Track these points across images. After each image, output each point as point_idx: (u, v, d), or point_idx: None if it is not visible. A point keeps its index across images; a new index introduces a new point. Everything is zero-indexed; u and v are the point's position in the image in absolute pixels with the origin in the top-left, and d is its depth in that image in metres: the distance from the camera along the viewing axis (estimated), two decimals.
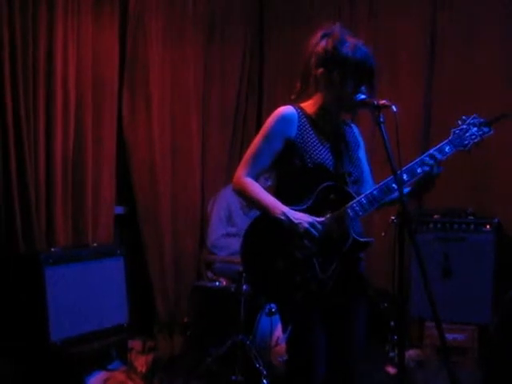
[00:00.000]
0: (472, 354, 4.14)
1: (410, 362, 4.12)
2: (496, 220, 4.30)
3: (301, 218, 2.33)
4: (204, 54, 4.98)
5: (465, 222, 4.34)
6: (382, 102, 2.30)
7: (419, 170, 2.43)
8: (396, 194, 2.37)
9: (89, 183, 4.14)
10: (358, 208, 2.38)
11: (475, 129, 2.49)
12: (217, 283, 4.22)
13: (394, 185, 2.37)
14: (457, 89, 4.64)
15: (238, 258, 4.03)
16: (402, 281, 2.37)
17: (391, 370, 3.94)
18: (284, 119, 2.45)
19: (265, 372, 3.63)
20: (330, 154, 2.46)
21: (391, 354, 3.97)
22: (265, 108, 5.34)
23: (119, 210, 4.57)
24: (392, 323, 3.99)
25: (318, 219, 2.35)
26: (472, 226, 4.31)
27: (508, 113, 2.56)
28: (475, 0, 4.65)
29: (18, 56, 3.65)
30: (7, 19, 3.61)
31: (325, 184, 2.40)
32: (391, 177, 2.35)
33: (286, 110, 2.47)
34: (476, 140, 2.49)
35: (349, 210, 2.37)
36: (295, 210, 2.37)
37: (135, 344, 4.11)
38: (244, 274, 3.75)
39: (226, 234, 4.47)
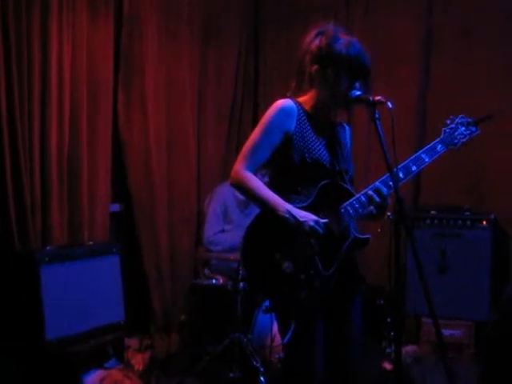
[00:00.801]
0: (468, 350, 4.16)
1: (407, 358, 4.13)
2: (492, 216, 4.31)
3: (306, 216, 2.32)
4: (199, 52, 4.97)
5: (461, 218, 4.35)
6: (378, 98, 2.31)
7: (414, 168, 2.44)
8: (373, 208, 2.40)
9: (84, 181, 4.13)
10: (357, 206, 2.39)
11: (463, 128, 2.54)
12: (213, 281, 4.21)
13: (390, 182, 2.36)
14: (453, 87, 4.65)
15: (234, 255, 4.06)
16: (399, 277, 2.37)
17: (388, 365, 3.94)
18: (284, 112, 2.42)
19: (262, 369, 3.63)
20: (325, 150, 2.46)
21: (388, 350, 3.98)
22: (261, 107, 5.34)
23: (115, 207, 4.56)
24: (389, 319, 4.00)
25: (321, 220, 2.35)
26: (468, 222, 4.32)
27: (492, 114, 2.60)
28: None
29: (12, 55, 3.63)
30: (0, 19, 3.59)
31: (325, 181, 2.40)
32: (385, 176, 2.38)
33: (286, 103, 2.44)
34: (465, 139, 2.54)
35: (349, 208, 2.38)
36: (296, 208, 2.35)
37: (132, 342, 4.11)
38: (242, 272, 3.76)
39: (222, 230, 4.47)
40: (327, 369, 2.43)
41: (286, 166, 2.43)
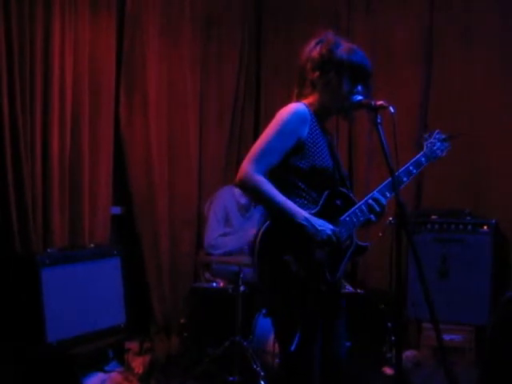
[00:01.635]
0: (469, 355, 4.14)
1: (408, 362, 4.12)
2: (493, 221, 4.31)
3: (324, 225, 2.34)
4: (201, 53, 4.97)
5: (462, 222, 4.35)
6: (380, 102, 2.32)
7: (405, 179, 2.51)
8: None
9: (86, 184, 4.13)
10: (359, 214, 2.43)
11: (439, 143, 2.63)
12: (214, 284, 4.21)
13: (387, 192, 2.44)
14: (454, 88, 4.65)
15: (234, 259, 4.06)
16: (400, 282, 2.37)
17: (388, 370, 3.94)
18: (299, 117, 2.39)
19: (262, 373, 3.63)
20: (330, 156, 2.47)
21: (388, 355, 3.97)
22: (262, 108, 5.34)
23: (116, 210, 4.56)
24: (389, 324, 3.99)
25: (337, 229, 2.37)
26: (469, 227, 4.32)
27: (462, 132, 2.87)
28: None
29: (14, 56, 3.64)
30: (3, 19, 3.60)
31: (332, 189, 2.43)
32: (383, 184, 2.44)
33: (301, 107, 2.42)
34: (442, 154, 2.64)
35: (352, 217, 2.42)
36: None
37: (132, 345, 4.10)
38: (243, 276, 3.76)
39: (223, 234, 4.47)
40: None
41: (293, 171, 2.40)
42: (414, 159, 2.55)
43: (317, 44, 2.49)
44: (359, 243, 2.47)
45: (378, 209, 2.42)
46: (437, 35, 4.76)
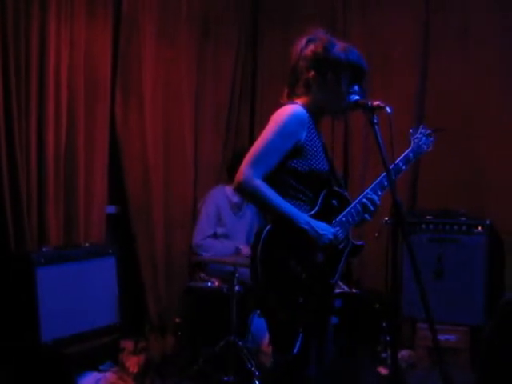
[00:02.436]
0: (464, 355, 4.15)
1: (402, 362, 4.13)
2: (488, 222, 4.32)
3: (326, 229, 2.34)
4: (197, 53, 4.97)
5: (457, 223, 4.36)
6: (376, 103, 2.32)
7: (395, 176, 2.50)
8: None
9: (81, 182, 4.12)
10: (354, 214, 2.44)
11: (424, 138, 2.66)
12: (209, 284, 4.20)
13: (379, 191, 2.46)
14: (451, 88, 4.65)
15: (228, 259, 4.05)
16: (395, 282, 2.38)
17: (383, 370, 3.94)
18: (298, 119, 2.36)
19: (257, 373, 3.63)
20: (325, 157, 2.47)
21: (383, 355, 3.97)
22: (258, 108, 5.34)
23: (111, 209, 4.55)
24: (384, 324, 4.00)
25: (336, 228, 2.39)
26: (464, 228, 4.33)
27: (444, 128, 2.85)
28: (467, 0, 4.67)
29: (10, 55, 3.62)
30: None
31: (328, 189, 2.42)
32: (375, 183, 2.46)
33: (299, 109, 2.39)
34: (428, 149, 2.67)
35: (348, 217, 2.43)
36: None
37: (127, 344, 4.10)
38: (238, 275, 3.76)
39: (213, 234, 4.46)
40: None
41: (290, 173, 2.38)
42: (402, 156, 2.57)
43: (309, 42, 2.46)
44: (355, 242, 2.48)
45: (371, 208, 2.43)
46: (433, 36, 4.76)
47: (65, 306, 3.61)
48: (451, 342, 4.17)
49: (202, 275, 4.43)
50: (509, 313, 3.00)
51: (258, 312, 3.81)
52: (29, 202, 3.76)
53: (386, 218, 3.73)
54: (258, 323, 3.80)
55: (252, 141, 2.50)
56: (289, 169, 2.37)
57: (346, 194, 2.49)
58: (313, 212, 2.38)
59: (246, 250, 4.25)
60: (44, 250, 3.72)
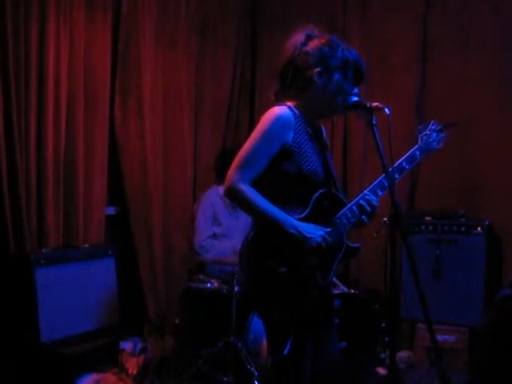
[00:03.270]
0: (463, 356, 4.15)
1: (401, 363, 4.13)
2: (487, 222, 4.32)
3: (313, 231, 2.31)
4: (196, 55, 4.97)
5: (456, 223, 4.35)
6: (375, 104, 2.31)
7: (396, 176, 2.46)
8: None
9: (80, 184, 4.12)
10: (350, 215, 2.41)
11: (435, 134, 2.58)
12: (208, 284, 4.20)
13: (378, 190, 2.43)
14: (449, 90, 4.65)
15: (228, 259, 4.05)
16: (394, 282, 2.38)
17: (382, 371, 3.94)
18: (282, 122, 2.34)
19: (256, 374, 3.63)
20: (318, 158, 2.44)
21: (382, 356, 3.97)
22: (257, 109, 5.35)
23: (110, 210, 4.55)
24: (383, 324, 4.00)
25: (326, 230, 2.35)
26: (463, 228, 4.32)
27: (458, 122, 2.76)
28: (467, 1, 4.67)
29: (9, 57, 3.63)
30: None
31: (320, 191, 2.38)
32: (374, 183, 2.44)
33: (284, 112, 2.37)
34: (439, 146, 2.59)
35: (343, 218, 2.40)
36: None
37: (126, 345, 4.10)
38: (238, 276, 3.76)
39: (212, 234, 4.46)
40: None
41: (280, 176, 2.36)
42: (407, 154, 2.52)
43: (309, 38, 2.41)
44: (349, 245, 2.44)
45: (368, 209, 2.40)
46: (432, 36, 4.76)
47: (64, 307, 3.61)
48: (450, 342, 4.17)
49: (202, 276, 4.43)
50: (504, 309, 3.00)
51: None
52: (28, 203, 3.76)
53: (385, 219, 3.73)
54: (258, 324, 3.81)
55: None
56: (278, 171, 2.35)
57: (340, 195, 2.45)
58: (303, 215, 2.35)
59: None
60: (43, 250, 3.72)
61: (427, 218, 4.45)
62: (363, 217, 2.42)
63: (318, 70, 2.37)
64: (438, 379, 2.23)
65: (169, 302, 4.69)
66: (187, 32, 4.87)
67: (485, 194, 4.54)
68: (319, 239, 2.31)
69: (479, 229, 4.30)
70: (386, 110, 2.26)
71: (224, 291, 3.98)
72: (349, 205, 2.42)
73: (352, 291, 4.08)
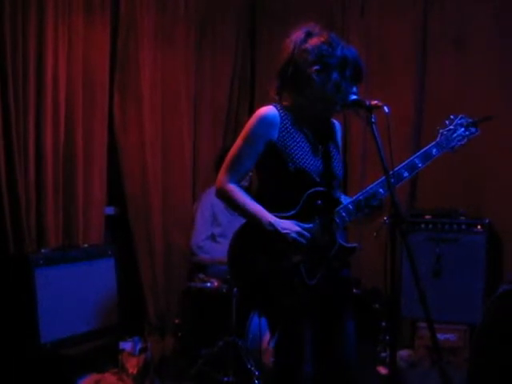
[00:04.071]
0: (463, 354, 4.15)
1: (402, 362, 4.13)
2: (487, 220, 4.32)
3: (288, 227, 2.33)
4: (195, 54, 4.97)
5: (456, 222, 4.35)
6: (374, 102, 2.30)
7: (406, 175, 2.43)
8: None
9: (79, 184, 4.12)
10: (344, 214, 2.40)
11: (462, 129, 2.47)
12: (208, 284, 4.20)
13: (380, 190, 2.39)
14: (448, 89, 4.65)
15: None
16: (394, 281, 2.37)
17: (383, 370, 3.94)
18: (265, 121, 2.40)
19: (257, 373, 3.63)
20: (317, 156, 2.43)
21: (383, 355, 3.97)
22: (257, 108, 5.32)
23: (110, 210, 4.55)
24: (383, 323, 3.99)
25: (305, 226, 2.36)
26: (463, 227, 4.32)
27: (492, 115, 2.56)
28: (466, 1, 4.66)
29: (7, 57, 3.63)
30: None
31: (312, 189, 2.39)
32: (377, 182, 2.40)
33: (268, 111, 2.42)
34: (463, 142, 2.47)
35: (336, 217, 2.39)
36: (281, 217, 2.36)
37: (126, 345, 4.09)
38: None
39: (211, 235, 4.45)
40: (326, 371, 2.46)
41: (270, 174, 2.43)
42: (421, 151, 2.44)
43: (308, 35, 2.42)
44: (343, 244, 2.42)
45: (373, 202, 2.38)
46: (431, 36, 4.76)
47: (64, 308, 3.61)
48: (451, 341, 4.16)
49: (202, 276, 4.43)
50: (503, 305, 2.99)
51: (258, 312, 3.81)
52: (27, 203, 3.76)
53: (385, 218, 3.72)
54: (258, 323, 3.80)
55: None
56: (269, 169, 2.42)
57: (335, 194, 2.44)
58: (292, 212, 2.38)
59: None
60: (43, 251, 3.72)
61: (427, 217, 4.45)
62: (366, 210, 2.40)
63: (316, 67, 2.37)
64: (439, 378, 2.23)
65: (169, 302, 4.69)
66: (186, 32, 4.86)
67: (485, 192, 4.54)
68: (294, 235, 2.32)
69: (479, 227, 4.30)
70: (385, 108, 2.25)
71: (224, 291, 3.97)
72: (345, 203, 2.41)
73: (353, 290, 4.07)
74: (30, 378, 3.38)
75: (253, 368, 3.64)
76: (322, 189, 2.41)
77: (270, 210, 2.37)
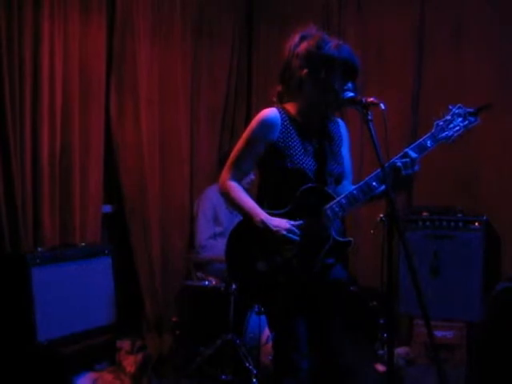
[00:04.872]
0: (461, 352, 4.15)
1: (399, 359, 4.13)
2: (484, 217, 4.31)
3: (279, 225, 2.39)
4: (192, 52, 4.96)
5: (453, 219, 4.35)
6: (371, 99, 2.31)
7: (399, 164, 2.37)
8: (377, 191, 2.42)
9: (76, 182, 4.11)
10: (337, 209, 2.42)
11: (460, 119, 2.41)
12: (206, 282, 4.20)
13: (374, 183, 2.40)
14: (445, 86, 4.65)
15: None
16: (391, 278, 2.37)
17: (380, 367, 3.94)
18: (266, 123, 2.47)
19: (255, 371, 3.63)
20: (313, 155, 2.49)
21: (380, 352, 3.97)
22: (254, 107, 5.33)
23: (107, 208, 4.54)
24: (381, 321, 4.00)
25: (295, 223, 2.41)
26: (460, 224, 4.32)
27: (491, 103, 2.45)
28: None
29: (3, 56, 3.62)
30: None
31: (304, 186, 2.44)
32: (371, 175, 2.41)
33: (269, 113, 2.48)
34: (460, 131, 2.40)
35: (328, 211, 2.42)
36: (275, 215, 2.43)
37: (124, 344, 4.09)
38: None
39: (213, 234, 4.45)
40: (320, 366, 2.50)
41: (270, 173, 2.51)
42: (415, 143, 2.41)
43: (302, 39, 2.48)
44: (337, 238, 2.46)
45: (363, 197, 2.40)
46: (428, 33, 4.76)
47: (61, 306, 3.61)
48: (448, 338, 4.17)
49: (199, 274, 4.43)
50: (502, 302, 2.99)
51: (256, 310, 3.81)
52: (24, 202, 3.75)
53: (382, 215, 3.73)
54: (256, 321, 3.80)
55: None
56: (269, 168, 2.51)
57: (329, 191, 2.47)
58: (286, 209, 2.44)
59: None
60: (39, 250, 3.72)
61: (425, 214, 4.44)
62: (354, 206, 2.41)
63: (305, 71, 2.45)
64: (437, 375, 2.23)
65: (166, 300, 4.68)
66: (182, 31, 4.85)
67: (482, 189, 4.54)
68: (284, 232, 2.37)
69: (477, 224, 4.29)
70: (382, 106, 2.26)
71: (222, 289, 3.97)
72: (337, 198, 2.43)
73: (350, 288, 4.08)
74: (28, 377, 3.37)
75: (250, 366, 3.64)
76: (314, 185, 2.46)
77: (270, 206, 2.46)
